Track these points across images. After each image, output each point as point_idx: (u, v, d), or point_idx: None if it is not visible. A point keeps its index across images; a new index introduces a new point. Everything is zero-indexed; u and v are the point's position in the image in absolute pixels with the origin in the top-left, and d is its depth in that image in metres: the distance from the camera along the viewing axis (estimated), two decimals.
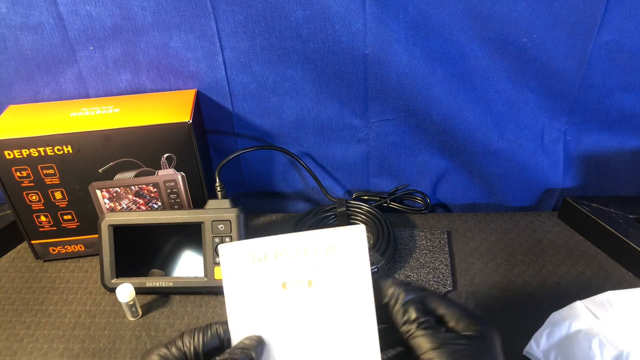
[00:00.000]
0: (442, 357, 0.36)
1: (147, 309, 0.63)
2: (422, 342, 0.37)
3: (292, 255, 0.42)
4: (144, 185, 0.66)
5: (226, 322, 0.42)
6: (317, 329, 0.42)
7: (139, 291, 0.63)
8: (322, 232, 0.42)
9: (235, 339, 0.41)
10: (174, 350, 0.39)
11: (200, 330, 0.40)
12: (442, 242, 0.70)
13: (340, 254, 0.42)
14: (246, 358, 0.39)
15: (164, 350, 0.39)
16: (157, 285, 0.63)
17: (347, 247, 0.41)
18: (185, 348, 0.39)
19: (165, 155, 0.64)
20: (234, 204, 0.64)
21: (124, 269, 0.64)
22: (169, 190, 0.67)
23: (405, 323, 0.39)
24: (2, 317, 0.63)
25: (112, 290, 0.63)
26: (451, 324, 0.39)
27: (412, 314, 0.39)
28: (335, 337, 0.41)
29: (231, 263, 0.42)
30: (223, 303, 0.43)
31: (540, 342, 0.51)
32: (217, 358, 0.38)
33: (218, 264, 0.62)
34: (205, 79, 0.68)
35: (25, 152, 0.61)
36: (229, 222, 0.62)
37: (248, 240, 0.42)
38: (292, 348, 0.42)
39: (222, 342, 0.41)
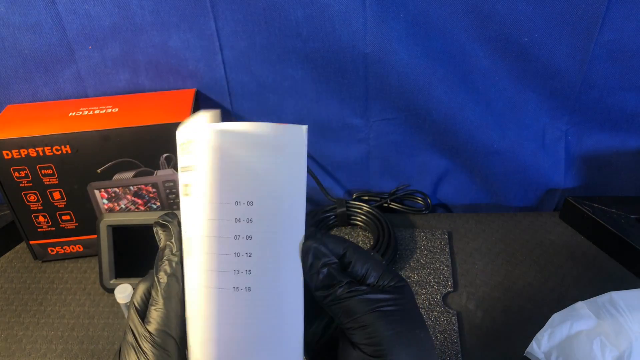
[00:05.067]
0: (378, 320, 0.32)
1: None
2: (354, 305, 0.32)
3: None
4: (142, 186, 0.66)
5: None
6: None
7: None
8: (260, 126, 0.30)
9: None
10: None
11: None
12: (443, 242, 0.70)
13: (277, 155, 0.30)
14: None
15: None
16: None
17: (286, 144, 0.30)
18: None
19: (164, 155, 0.64)
20: None
21: (122, 270, 0.64)
22: (167, 191, 0.67)
23: (324, 287, 0.32)
24: (1, 318, 0.63)
25: (111, 291, 0.62)
26: (370, 280, 0.34)
27: (333, 276, 0.32)
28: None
29: None
30: None
31: (541, 343, 0.51)
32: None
33: None
34: (205, 78, 0.68)
35: (24, 152, 0.61)
36: None
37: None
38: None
39: None
